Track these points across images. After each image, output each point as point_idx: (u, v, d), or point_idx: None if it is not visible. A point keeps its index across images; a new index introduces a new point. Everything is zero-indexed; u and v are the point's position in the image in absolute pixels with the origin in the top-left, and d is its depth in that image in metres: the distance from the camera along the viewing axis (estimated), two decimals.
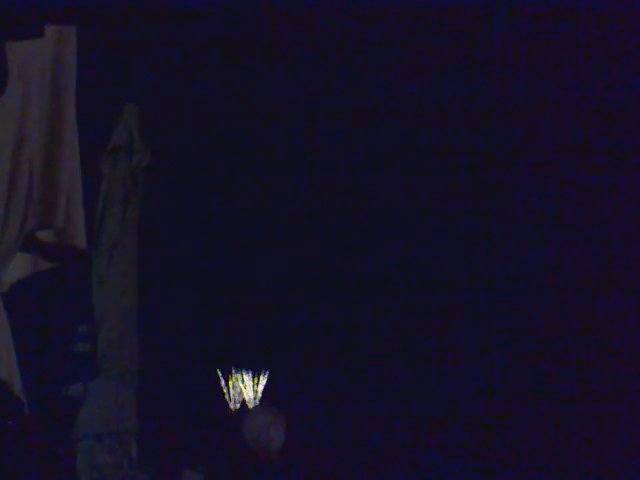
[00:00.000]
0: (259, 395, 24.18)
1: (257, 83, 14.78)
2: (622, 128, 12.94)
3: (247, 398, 24.06)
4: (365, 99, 14.95)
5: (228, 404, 23.68)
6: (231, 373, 24.42)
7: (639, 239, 12.34)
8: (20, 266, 2.25)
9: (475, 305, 14.16)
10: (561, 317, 12.72)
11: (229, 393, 24.26)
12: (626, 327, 11.82)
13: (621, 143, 13.03)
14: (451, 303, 14.48)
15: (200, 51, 14.02)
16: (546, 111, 13.70)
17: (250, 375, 24.46)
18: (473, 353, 13.70)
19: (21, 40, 2.01)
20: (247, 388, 24.45)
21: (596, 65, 13.06)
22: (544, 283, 13.16)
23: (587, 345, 12.06)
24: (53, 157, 2.18)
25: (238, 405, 23.23)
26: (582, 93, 13.18)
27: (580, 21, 12.74)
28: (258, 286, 18.53)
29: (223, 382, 24.30)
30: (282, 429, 4.59)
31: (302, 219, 16.82)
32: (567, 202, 13.45)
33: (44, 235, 2.22)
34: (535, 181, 13.99)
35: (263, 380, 24.55)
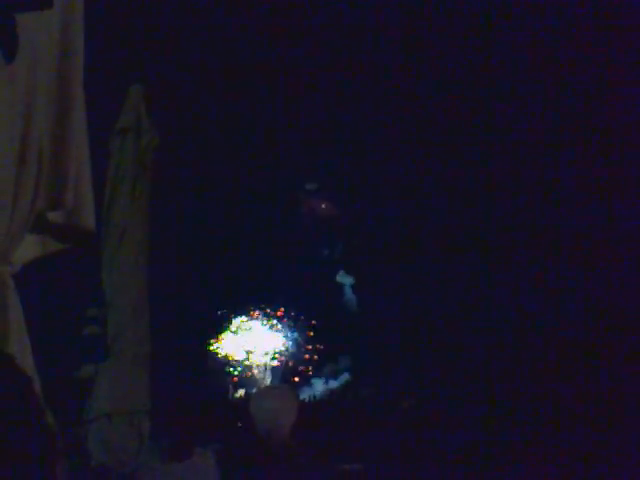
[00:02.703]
0: (269, 376, 24.31)
1: (267, 60, 14.72)
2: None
3: (258, 379, 24.19)
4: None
5: (239, 385, 23.80)
6: (243, 354, 24.54)
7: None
8: (30, 247, 2.25)
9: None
10: None
11: (240, 374, 24.38)
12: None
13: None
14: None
15: (208, 30, 13.97)
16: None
17: (261, 357, 24.58)
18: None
19: (29, 13, 2.00)
20: (258, 369, 24.58)
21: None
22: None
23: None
24: (61, 137, 2.18)
25: (249, 386, 23.36)
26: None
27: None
28: (270, 263, 18.56)
29: (234, 364, 24.43)
30: (293, 410, 4.60)
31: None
32: None
33: (54, 216, 2.22)
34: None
35: (273, 362, 24.66)
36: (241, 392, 22.95)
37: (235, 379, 24.06)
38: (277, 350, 24.88)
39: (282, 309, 23.44)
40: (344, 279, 21.08)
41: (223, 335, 24.31)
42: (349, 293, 21.27)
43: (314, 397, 18.79)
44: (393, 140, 15.78)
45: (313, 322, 22.12)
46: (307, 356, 23.87)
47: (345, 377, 20.54)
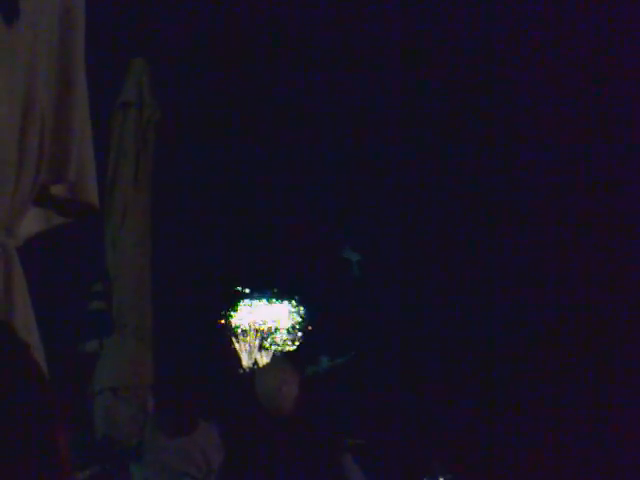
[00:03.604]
0: (272, 352, 24.41)
1: (272, 35, 14.62)
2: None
3: (260, 355, 24.30)
4: None
5: (242, 360, 23.91)
6: (246, 330, 24.63)
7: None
8: (34, 221, 2.25)
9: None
10: None
11: (243, 350, 24.49)
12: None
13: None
14: None
15: (213, 1, 13.86)
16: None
17: (264, 331, 24.66)
18: None
19: None
20: (261, 345, 24.67)
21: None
22: None
23: None
24: (63, 111, 2.17)
25: (252, 361, 23.47)
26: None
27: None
28: (274, 239, 18.54)
29: (237, 339, 24.53)
30: (295, 385, 4.62)
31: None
32: None
33: (57, 189, 2.22)
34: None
35: (276, 337, 24.76)
36: (245, 367, 23.07)
37: (239, 354, 24.17)
38: (281, 326, 24.97)
39: (288, 286, 23.49)
40: (351, 255, 21.07)
41: (228, 310, 24.39)
42: (356, 270, 21.28)
43: (319, 372, 18.88)
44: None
45: (319, 299, 22.17)
46: (312, 332, 23.94)
47: (351, 354, 20.63)
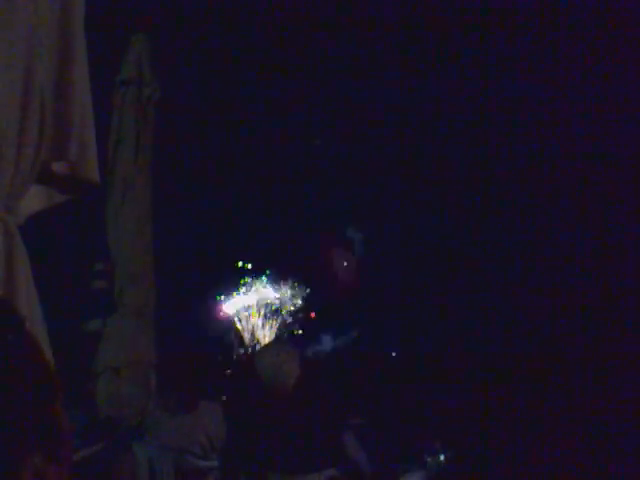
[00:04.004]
0: (273, 333, 24.47)
1: (273, 15, 14.53)
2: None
3: (261, 335, 24.36)
4: None
5: (244, 339, 23.98)
6: (249, 309, 24.68)
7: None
8: (36, 198, 2.24)
9: None
10: None
11: (245, 330, 24.55)
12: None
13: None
14: None
15: None
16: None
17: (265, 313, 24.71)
18: None
19: None
20: (264, 324, 24.73)
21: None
22: None
23: None
24: (63, 88, 2.16)
25: (254, 342, 23.54)
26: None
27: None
28: (274, 217, 18.54)
29: (239, 320, 24.59)
30: (296, 364, 4.63)
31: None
32: None
33: (58, 167, 2.21)
34: None
35: (278, 319, 24.81)
36: (247, 345, 23.14)
37: (241, 334, 24.23)
38: (283, 305, 25.01)
39: (289, 264, 23.50)
40: (354, 235, 21.01)
41: (230, 290, 24.42)
42: (359, 249, 21.24)
43: (319, 353, 18.93)
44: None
45: (320, 278, 22.19)
46: (313, 314, 23.99)
47: (353, 333, 20.65)
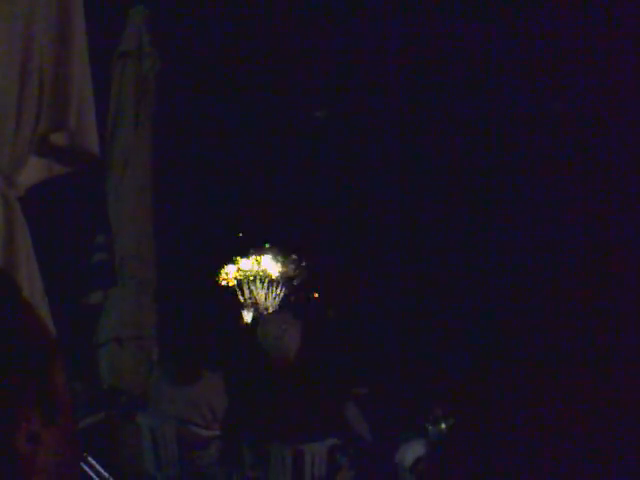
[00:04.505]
0: (276, 302, 24.54)
1: None
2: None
3: (263, 305, 24.43)
4: None
5: (246, 310, 24.07)
6: (248, 280, 24.73)
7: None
8: (35, 170, 2.24)
9: None
10: None
11: (246, 300, 24.62)
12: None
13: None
14: None
15: None
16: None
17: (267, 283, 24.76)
18: None
19: None
20: (266, 295, 24.80)
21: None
22: None
23: None
24: (62, 59, 2.15)
25: (255, 311, 23.62)
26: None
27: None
28: (281, 190, 18.50)
29: (242, 289, 24.65)
30: (297, 334, 4.66)
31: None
32: None
33: (57, 138, 2.21)
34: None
35: (282, 289, 24.86)
36: (250, 316, 23.22)
37: (243, 304, 24.31)
38: (287, 276, 25.06)
39: (292, 235, 23.49)
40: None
41: (232, 261, 24.45)
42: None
43: (322, 323, 18.95)
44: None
45: (324, 249, 22.18)
46: (318, 285, 24.01)
47: (353, 303, 20.68)
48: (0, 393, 0.72)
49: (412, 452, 3.98)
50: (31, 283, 2.13)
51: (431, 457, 4.00)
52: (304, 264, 24.47)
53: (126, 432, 5.20)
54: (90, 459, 3.45)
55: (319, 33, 15.22)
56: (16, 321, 0.78)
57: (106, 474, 3.47)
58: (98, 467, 3.46)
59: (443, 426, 4.09)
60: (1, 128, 1.97)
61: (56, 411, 0.76)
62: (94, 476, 3.42)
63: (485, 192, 14.76)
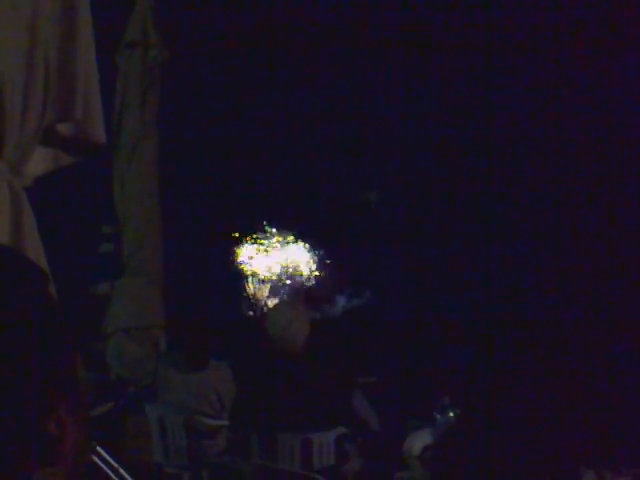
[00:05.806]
0: (285, 293, 24.51)
1: None
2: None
3: (273, 295, 24.41)
4: None
5: (252, 300, 24.04)
6: (260, 270, 24.69)
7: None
8: (42, 160, 2.24)
9: None
10: None
11: (253, 290, 24.61)
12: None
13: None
14: None
15: None
16: None
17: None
18: None
19: None
20: (274, 285, 24.76)
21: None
22: None
23: None
24: (68, 49, 2.14)
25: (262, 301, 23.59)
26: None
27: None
28: (289, 180, 18.46)
29: (250, 279, 24.61)
30: (306, 323, 4.66)
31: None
32: None
33: (64, 128, 2.20)
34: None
35: (289, 279, 24.81)
36: (257, 307, 23.19)
37: (251, 295, 24.29)
38: (294, 266, 25.02)
39: (302, 225, 23.41)
40: (369, 196, 20.83)
41: (239, 251, 24.42)
42: (373, 201, 21.03)
43: (331, 314, 18.93)
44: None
45: (334, 239, 22.11)
46: (327, 275, 23.92)
47: (367, 295, 20.63)
48: (35, 382, 0.77)
49: (420, 441, 3.98)
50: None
51: (439, 446, 4.00)
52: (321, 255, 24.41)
53: (134, 422, 5.21)
54: (99, 449, 3.47)
55: (331, 23, 15.16)
56: (46, 304, 0.81)
57: (115, 463, 3.49)
58: (107, 456, 3.47)
59: (451, 414, 4.09)
60: (8, 118, 1.96)
61: (79, 399, 0.81)
62: (103, 466, 3.44)
63: (488, 188, 14.76)
